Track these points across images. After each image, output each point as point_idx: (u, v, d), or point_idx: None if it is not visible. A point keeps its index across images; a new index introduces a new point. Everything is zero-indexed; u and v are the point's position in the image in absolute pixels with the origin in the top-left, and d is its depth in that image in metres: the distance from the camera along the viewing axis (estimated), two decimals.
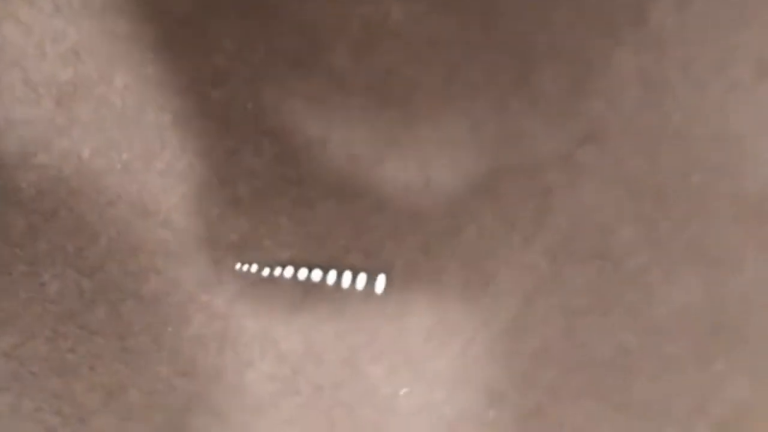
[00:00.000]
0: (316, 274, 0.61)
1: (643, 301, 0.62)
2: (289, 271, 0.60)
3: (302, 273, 0.60)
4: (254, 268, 0.60)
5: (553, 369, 0.63)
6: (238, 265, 0.60)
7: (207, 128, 0.57)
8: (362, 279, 0.62)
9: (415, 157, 0.59)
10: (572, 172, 0.59)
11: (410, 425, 0.64)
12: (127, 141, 0.56)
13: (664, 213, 0.60)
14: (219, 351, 0.61)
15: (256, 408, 0.62)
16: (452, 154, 0.59)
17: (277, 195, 0.60)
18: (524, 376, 0.64)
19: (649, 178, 0.60)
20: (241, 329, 0.61)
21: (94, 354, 0.58)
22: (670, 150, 0.59)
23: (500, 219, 0.60)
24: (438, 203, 0.60)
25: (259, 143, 0.58)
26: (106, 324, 0.59)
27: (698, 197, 0.60)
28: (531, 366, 0.64)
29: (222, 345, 0.61)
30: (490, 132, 0.58)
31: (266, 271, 0.60)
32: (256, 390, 0.62)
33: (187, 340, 0.60)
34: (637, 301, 0.62)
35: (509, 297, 0.62)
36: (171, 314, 0.60)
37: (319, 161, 0.59)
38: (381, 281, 0.62)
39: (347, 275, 0.61)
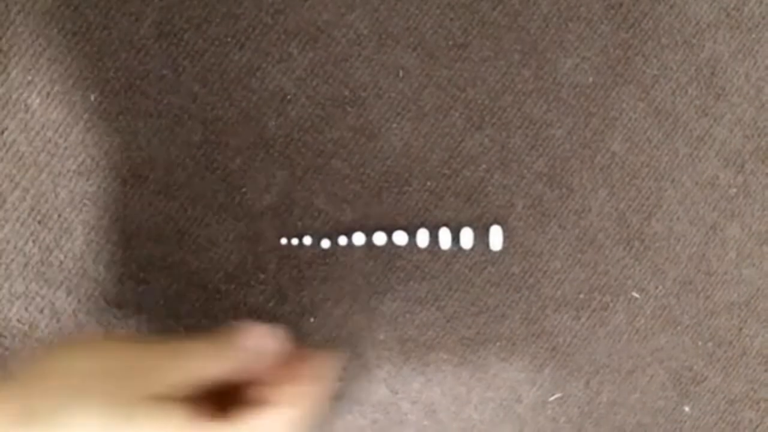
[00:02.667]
0: (400, 237, 0.40)
1: None
2: (359, 239, 0.40)
3: (379, 238, 0.40)
4: (307, 240, 0.40)
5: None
6: (283, 239, 0.40)
7: None
8: (468, 235, 0.41)
9: None
10: None
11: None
12: None
13: None
14: None
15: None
16: None
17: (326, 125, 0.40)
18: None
19: None
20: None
21: None
22: None
23: None
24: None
25: None
26: None
27: None
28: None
29: None
30: None
31: (325, 242, 0.40)
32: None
33: None
34: None
35: None
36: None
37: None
38: (497, 234, 0.42)
39: (445, 233, 0.41)
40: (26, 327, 0.38)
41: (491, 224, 0.42)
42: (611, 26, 0.42)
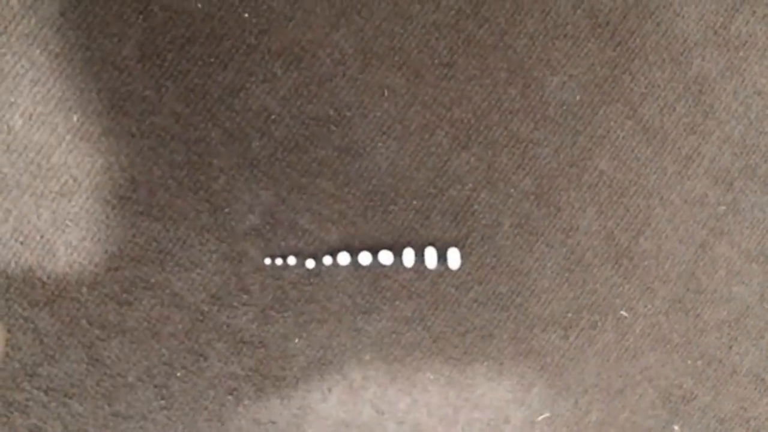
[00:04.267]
0: (386, 257, 0.40)
1: None
2: (344, 258, 0.40)
3: (365, 257, 0.40)
4: (291, 260, 0.40)
5: None
6: (267, 260, 0.40)
7: None
8: (455, 255, 0.41)
9: None
10: None
11: None
12: None
13: None
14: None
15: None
16: None
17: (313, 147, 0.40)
18: None
19: None
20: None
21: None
22: None
23: None
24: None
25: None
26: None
27: None
28: None
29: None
30: None
31: (310, 262, 0.40)
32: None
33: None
34: None
35: None
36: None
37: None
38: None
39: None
40: (8, 348, 0.38)
41: (477, 243, 0.42)
42: (598, 44, 0.42)
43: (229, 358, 0.40)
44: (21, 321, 0.38)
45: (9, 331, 0.38)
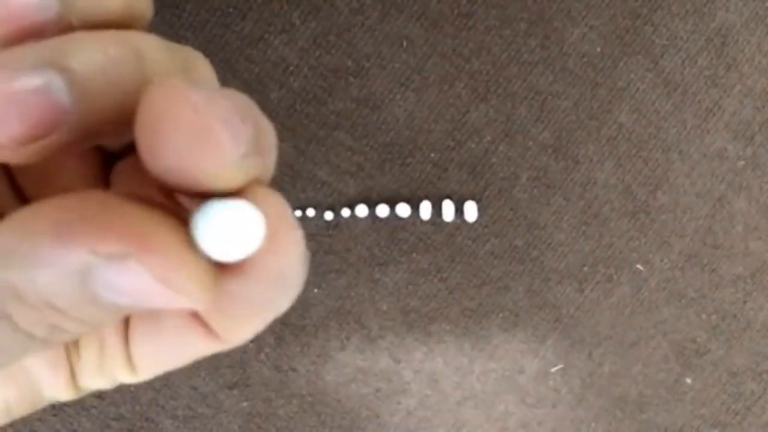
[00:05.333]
0: (403, 209, 0.41)
1: None
2: (362, 210, 0.40)
3: (382, 210, 0.40)
4: (310, 212, 0.40)
5: None
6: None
7: None
8: (472, 207, 0.41)
9: None
10: None
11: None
12: None
13: None
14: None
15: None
16: None
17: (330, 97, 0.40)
18: None
19: None
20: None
21: None
22: None
23: None
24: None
25: None
26: None
27: None
28: None
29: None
30: None
31: (328, 215, 0.40)
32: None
33: None
34: None
35: None
36: None
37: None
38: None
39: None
40: None
41: (494, 196, 0.42)
42: None
43: None
44: None
45: None
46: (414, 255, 0.41)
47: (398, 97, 0.40)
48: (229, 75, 0.39)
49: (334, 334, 0.41)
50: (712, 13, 0.42)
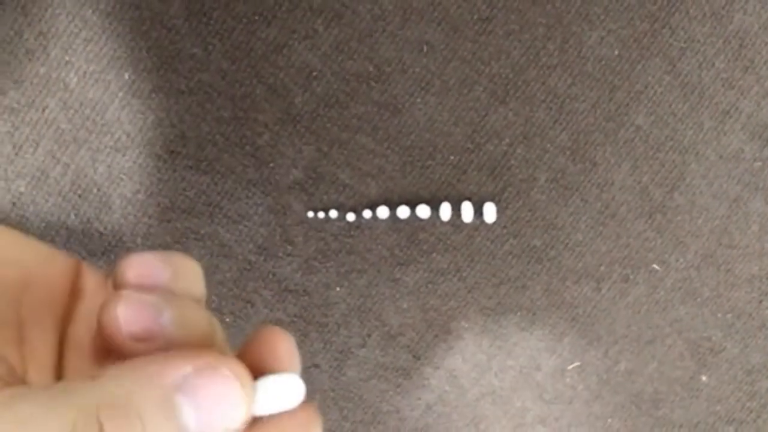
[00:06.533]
0: (423, 210, 0.42)
1: None
2: (383, 212, 0.41)
3: (403, 211, 0.41)
4: (333, 213, 0.41)
5: None
6: (310, 213, 0.41)
7: None
8: (490, 209, 0.42)
9: None
10: None
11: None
12: None
13: None
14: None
15: None
16: None
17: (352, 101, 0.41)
18: None
19: None
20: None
21: None
22: None
23: None
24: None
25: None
26: None
27: None
28: None
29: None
30: None
31: (350, 216, 0.41)
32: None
33: None
34: None
35: None
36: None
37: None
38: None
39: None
40: None
41: (513, 198, 0.43)
42: None
43: (275, 305, 0.42)
44: None
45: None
46: (434, 255, 0.43)
47: (419, 100, 0.41)
48: (254, 80, 0.40)
49: (355, 332, 0.43)
50: (730, 16, 0.43)
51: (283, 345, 0.19)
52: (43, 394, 0.15)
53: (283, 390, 0.18)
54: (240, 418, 0.16)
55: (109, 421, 0.15)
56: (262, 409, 0.17)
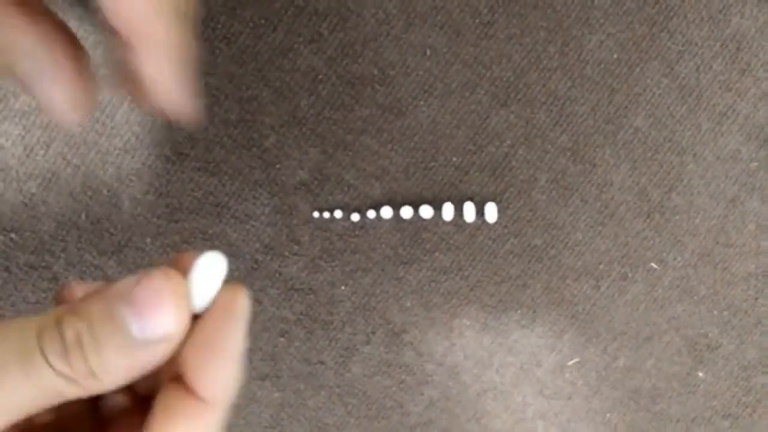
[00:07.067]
0: (426, 211, 0.42)
1: None
2: (387, 212, 0.42)
3: (406, 211, 0.42)
4: (338, 213, 0.42)
5: None
6: (315, 213, 0.42)
7: None
8: (492, 209, 0.43)
9: None
10: None
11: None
12: None
13: None
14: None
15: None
16: None
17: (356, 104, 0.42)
18: None
19: None
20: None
21: None
22: None
23: None
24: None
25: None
26: None
27: None
28: None
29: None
30: None
31: (355, 216, 0.42)
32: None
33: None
34: None
35: None
36: None
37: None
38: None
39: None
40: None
41: (514, 198, 0.44)
42: (637, 2, 0.43)
43: (281, 303, 0.43)
44: (91, 268, 0.41)
45: (81, 278, 0.41)
46: (436, 254, 0.43)
47: (422, 103, 0.42)
48: (261, 84, 0.41)
49: (360, 329, 0.44)
50: (727, 20, 0.43)
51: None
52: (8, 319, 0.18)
53: (211, 269, 0.19)
54: (178, 319, 0.18)
55: (69, 326, 0.17)
56: (199, 297, 0.19)
